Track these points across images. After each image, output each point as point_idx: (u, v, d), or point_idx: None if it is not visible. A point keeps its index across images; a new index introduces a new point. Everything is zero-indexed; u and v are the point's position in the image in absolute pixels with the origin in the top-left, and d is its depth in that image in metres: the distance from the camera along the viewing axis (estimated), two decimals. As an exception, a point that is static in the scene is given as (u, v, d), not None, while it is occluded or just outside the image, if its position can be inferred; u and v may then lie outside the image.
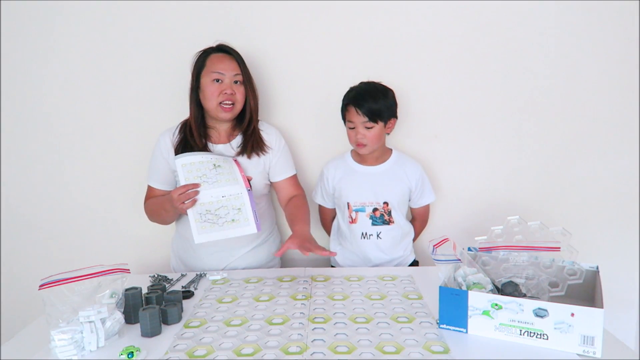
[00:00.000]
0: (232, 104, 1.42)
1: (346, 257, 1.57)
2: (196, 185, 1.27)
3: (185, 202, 1.25)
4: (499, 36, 1.64)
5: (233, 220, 1.28)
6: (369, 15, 1.63)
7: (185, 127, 1.47)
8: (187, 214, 1.28)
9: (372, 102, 1.43)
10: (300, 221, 1.39)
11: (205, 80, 1.41)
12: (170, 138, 1.46)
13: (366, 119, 1.43)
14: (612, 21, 1.62)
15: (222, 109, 1.41)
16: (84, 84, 1.69)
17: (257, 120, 1.51)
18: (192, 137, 1.44)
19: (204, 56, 1.44)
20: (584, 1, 1.61)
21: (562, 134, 1.71)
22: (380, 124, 1.45)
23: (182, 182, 1.28)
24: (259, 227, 1.29)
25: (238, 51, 1.46)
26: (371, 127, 1.44)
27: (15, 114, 1.71)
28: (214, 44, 1.47)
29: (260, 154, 1.47)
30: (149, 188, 1.50)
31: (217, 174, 1.31)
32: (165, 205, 1.35)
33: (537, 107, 1.69)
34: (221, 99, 1.40)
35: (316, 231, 1.71)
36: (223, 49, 1.45)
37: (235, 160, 1.39)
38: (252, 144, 1.46)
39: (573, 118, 1.69)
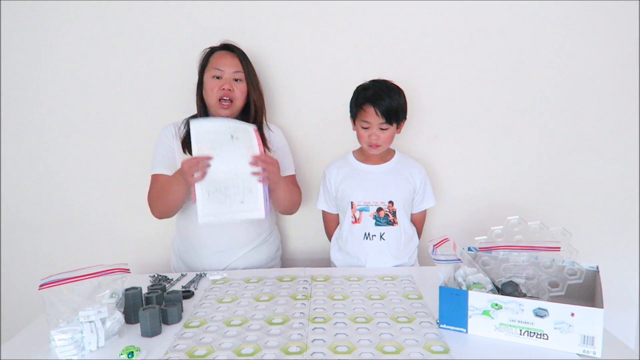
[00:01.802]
0: (231, 100, 1.42)
1: (348, 262, 1.52)
2: (208, 158, 1.22)
3: (195, 174, 1.21)
4: (500, 37, 1.64)
5: (242, 202, 1.24)
6: (370, 16, 1.63)
7: None
8: (195, 189, 1.23)
9: (390, 102, 1.39)
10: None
11: (207, 77, 1.44)
12: (174, 130, 1.47)
13: (383, 120, 1.39)
14: (612, 21, 1.62)
15: (221, 106, 1.42)
16: (83, 84, 1.69)
17: (264, 118, 1.51)
18: None
19: (209, 54, 1.47)
20: (584, 1, 1.61)
21: (562, 134, 1.71)
22: (394, 125, 1.43)
23: (195, 152, 1.22)
24: (267, 213, 1.25)
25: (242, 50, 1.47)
26: (386, 129, 1.42)
27: (15, 114, 1.71)
28: (218, 43, 1.49)
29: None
30: (154, 177, 1.46)
31: (233, 147, 1.23)
32: (176, 179, 1.31)
33: (537, 107, 1.69)
34: (219, 94, 1.41)
35: (320, 238, 1.71)
36: (226, 47, 1.47)
37: (255, 130, 1.26)
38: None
39: (573, 118, 1.69)
